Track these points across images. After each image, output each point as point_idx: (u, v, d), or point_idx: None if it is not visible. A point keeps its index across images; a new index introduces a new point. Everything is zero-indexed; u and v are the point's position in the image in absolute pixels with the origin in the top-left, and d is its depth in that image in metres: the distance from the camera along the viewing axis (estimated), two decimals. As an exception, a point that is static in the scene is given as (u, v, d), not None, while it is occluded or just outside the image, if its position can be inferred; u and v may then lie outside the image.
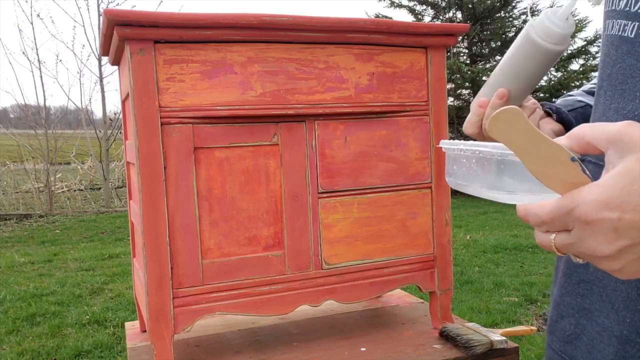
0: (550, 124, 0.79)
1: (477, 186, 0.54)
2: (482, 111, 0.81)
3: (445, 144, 0.62)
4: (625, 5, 0.61)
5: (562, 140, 0.45)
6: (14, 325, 2.97)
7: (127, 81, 0.97)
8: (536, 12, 9.14)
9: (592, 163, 0.64)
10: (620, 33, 0.62)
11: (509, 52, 0.75)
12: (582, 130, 0.44)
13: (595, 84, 0.78)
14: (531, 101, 0.82)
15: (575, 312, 0.66)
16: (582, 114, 0.77)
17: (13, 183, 9.05)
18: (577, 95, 0.83)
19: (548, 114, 0.80)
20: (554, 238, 0.44)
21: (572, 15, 0.69)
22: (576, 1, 0.66)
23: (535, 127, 0.42)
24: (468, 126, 0.84)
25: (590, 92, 0.81)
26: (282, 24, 0.96)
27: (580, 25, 8.71)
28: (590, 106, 0.76)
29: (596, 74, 0.77)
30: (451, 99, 9.43)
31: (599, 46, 8.29)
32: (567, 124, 0.77)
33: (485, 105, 0.80)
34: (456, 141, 0.60)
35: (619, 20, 0.62)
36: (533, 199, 0.46)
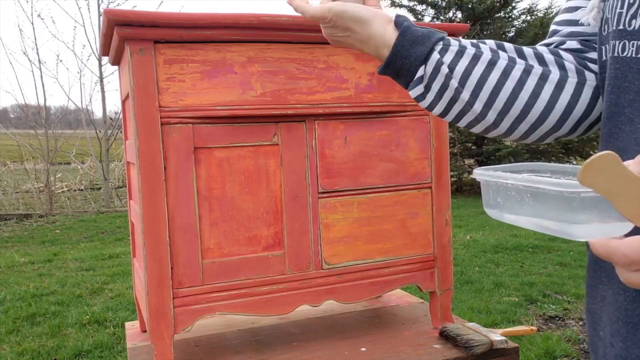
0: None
1: (536, 222, 0.52)
2: None
3: (486, 175, 0.58)
4: None
5: (635, 167, 0.44)
6: (14, 325, 2.97)
7: (127, 81, 0.97)
8: (535, 12, 9.15)
9: None
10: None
11: None
12: None
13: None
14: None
15: None
16: (429, 30, 0.69)
17: (13, 183, 9.05)
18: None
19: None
20: None
21: None
22: None
23: (628, 169, 0.41)
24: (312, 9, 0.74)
25: (496, 42, 0.73)
26: (282, 24, 0.96)
27: None
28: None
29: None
30: (451, 98, 9.42)
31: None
32: (399, 25, 0.70)
33: None
34: (498, 172, 0.57)
35: (635, 42, 0.60)
36: (605, 234, 0.45)
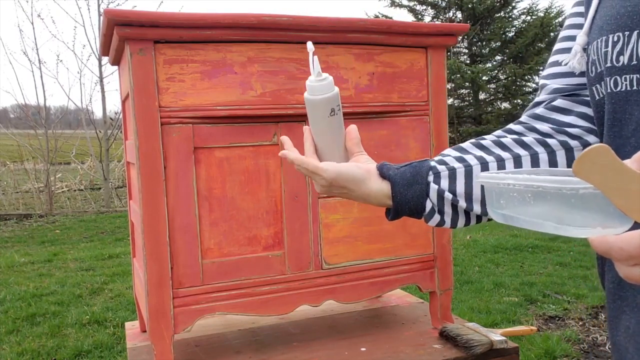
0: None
1: (537, 221, 0.53)
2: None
3: (488, 178, 0.59)
4: (631, 59, 0.62)
5: (632, 164, 0.44)
6: (14, 325, 2.97)
7: (127, 81, 0.97)
8: (536, 12, 9.15)
9: None
10: (636, 87, 0.62)
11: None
12: None
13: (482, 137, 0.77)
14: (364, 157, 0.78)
15: None
16: (415, 167, 0.73)
17: (13, 183, 9.05)
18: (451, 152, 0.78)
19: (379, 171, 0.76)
20: None
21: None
22: (317, 60, 0.73)
23: (623, 162, 0.41)
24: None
25: (475, 144, 0.77)
26: (282, 24, 0.96)
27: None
28: (429, 160, 0.74)
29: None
30: (451, 98, 9.43)
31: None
32: (387, 178, 0.73)
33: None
34: (500, 174, 0.57)
35: (627, 76, 0.62)
36: (604, 231, 0.46)
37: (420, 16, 9.71)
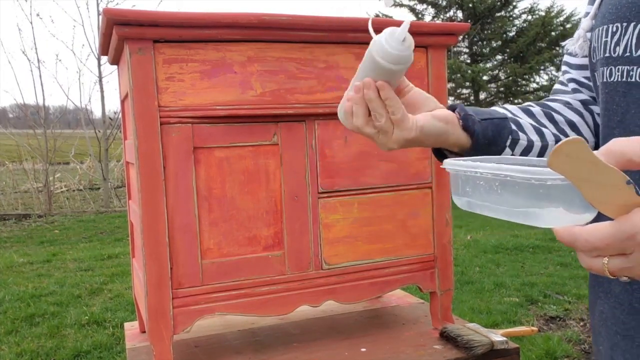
0: (442, 121, 0.68)
1: (503, 209, 0.53)
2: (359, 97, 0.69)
3: (454, 165, 0.59)
4: (625, 50, 0.63)
5: (600, 157, 0.44)
6: (12, 325, 2.96)
7: (126, 81, 0.97)
8: (537, 12, 9.14)
9: None
10: (625, 79, 0.63)
11: (360, 66, 0.69)
12: (621, 146, 0.43)
13: (531, 104, 0.77)
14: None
15: None
16: (497, 126, 0.70)
17: (12, 183, 9.05)
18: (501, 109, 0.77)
19: (453, 110, 0.71)
20: (607, 262, 0.44)
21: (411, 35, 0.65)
22: (409, 24, 0.63)
23: (596, 156, 0.42)
24: (352, 118, 0.71)
25: (522, 109, 0.76)
26: (281, 23, 0.96)
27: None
28: (508, 119, 0.71)
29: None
30: (451, 98, 9.42)
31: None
32: (471, 133, 0.69)
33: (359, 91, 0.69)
34: (468, 162, 0.57)
35: (620, 67, 0.63)
36: (569, 222, 0.46)
37: (420, 15, 9.71)
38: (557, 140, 0.72)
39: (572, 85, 0.78)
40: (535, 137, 0.72)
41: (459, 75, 8.48)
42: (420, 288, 1.13)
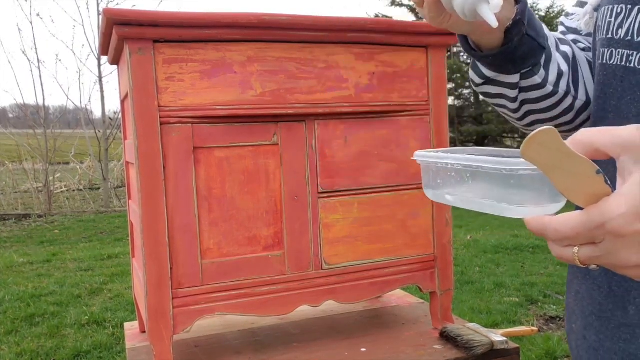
0: None
1: (477, 201, 0.53)
2: None
3: (424, 157, 0.59)
4: (627, 34, 0.61)
5: (570, 146, 0.44)
6: (12, 325, 2.96)
7: (126, 81, 0.97)
8: (537, 12, 9.13)
9: None
10: (624, 63, 0.62)
11: None
12: (589, 136, 0.43)
13: (572, 45, 0.75)
14: None
15: (619, 358, 0.65)
16: (531, 50, 0.68)
17: (12, 183, 9.05)
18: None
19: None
20: (577, 251, 0.44)
21: None
22: None
23: (568, 146, 0.42)
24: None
25: (562, 53, 0.74)
26: (281, 23, 0.96)
27: None
28: (545, 50, 0.70)
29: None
30: (452, 98, 9.43)
31: None
32: (507, 40, 0.67)
33: None
34: (439, 153, 0.57)
35: (620, 50, 0.62)
36: (538, 212, 0.47)
37: (420, 15, 9.72)
38: (559, 97, 0.71)
39: (570, 37, 0.77)
40: (550, 88, 0.71)
41: (458, 75, 8.49)
42: (420, 288, 1.13)
